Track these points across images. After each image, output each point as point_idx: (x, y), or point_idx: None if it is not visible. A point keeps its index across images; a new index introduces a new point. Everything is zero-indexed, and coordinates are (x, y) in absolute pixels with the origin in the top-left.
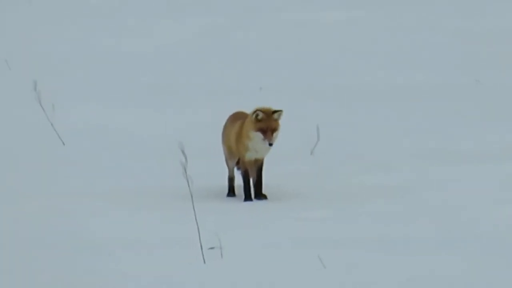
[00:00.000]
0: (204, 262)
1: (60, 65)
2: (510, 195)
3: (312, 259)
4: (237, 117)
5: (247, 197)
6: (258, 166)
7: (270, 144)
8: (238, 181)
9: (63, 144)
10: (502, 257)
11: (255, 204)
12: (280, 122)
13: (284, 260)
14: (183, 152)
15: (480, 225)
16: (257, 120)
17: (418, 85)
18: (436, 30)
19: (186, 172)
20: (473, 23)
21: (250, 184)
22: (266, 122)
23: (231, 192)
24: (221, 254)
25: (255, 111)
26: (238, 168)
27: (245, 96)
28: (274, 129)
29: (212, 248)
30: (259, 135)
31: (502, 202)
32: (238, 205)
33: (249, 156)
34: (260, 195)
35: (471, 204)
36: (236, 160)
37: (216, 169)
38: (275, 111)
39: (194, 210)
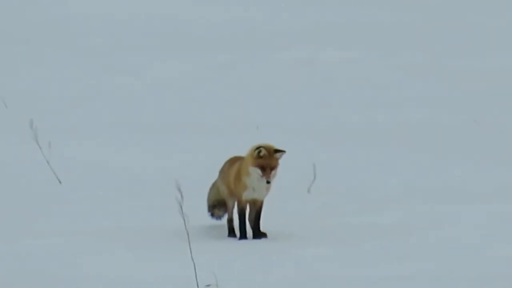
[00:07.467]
0: None
1: (57, 103)
2: (503, 235)
3: None
4: (236, 160)
5: (242, 236)
6: (257, 209)
7: (268, 182)
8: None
9: (60, 182)
10: None
11: (253, 242)
12: (280, 161)
13: None
14: (179, 189)
15: (477, 264)
16: (259, 156)
17: (417, 123)
18: (434, 70)
19: (182, 210)
20: (471, 62)
21: (246, 222)
22: (267, 160)
23: (231, 233)
24: None
25: (258, 147)
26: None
27: (242, 135)
28: (273, 168)
29: (208, 285)
30: (258, 171)
31: (496, 241)
32: (235, 243)
33: (246, 195)
34: (259, 234)
35: (468, 243)
36: (235, 200)
37: None
38: (277, 150)
39: (190, 248)
